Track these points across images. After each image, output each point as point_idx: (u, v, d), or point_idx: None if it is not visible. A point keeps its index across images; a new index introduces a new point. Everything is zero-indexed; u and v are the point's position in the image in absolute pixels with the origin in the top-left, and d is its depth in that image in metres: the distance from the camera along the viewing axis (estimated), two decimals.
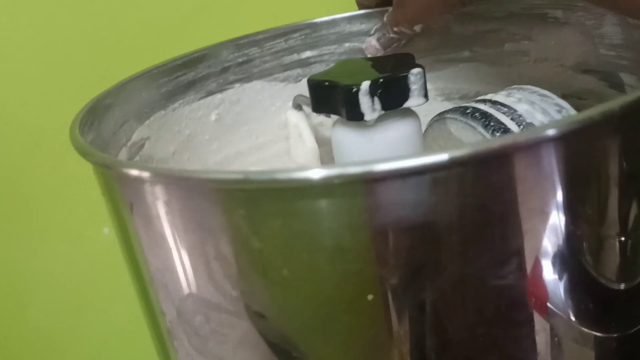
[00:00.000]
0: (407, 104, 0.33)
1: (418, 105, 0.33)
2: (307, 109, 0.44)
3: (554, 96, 0.37)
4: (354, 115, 0.32)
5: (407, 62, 0.34)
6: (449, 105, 0.45)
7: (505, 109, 0.36)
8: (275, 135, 0.45)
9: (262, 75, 0.44)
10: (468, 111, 0.37)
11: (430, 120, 0.39)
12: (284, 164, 0.46)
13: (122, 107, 0.37)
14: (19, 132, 0.50)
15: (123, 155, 0.37)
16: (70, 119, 0.32)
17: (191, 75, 0.41)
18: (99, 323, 0.57)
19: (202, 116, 0.42)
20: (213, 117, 0.43)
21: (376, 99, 0.32)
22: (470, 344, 0.24)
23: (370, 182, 0.22)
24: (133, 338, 0.56)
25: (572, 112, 0.36)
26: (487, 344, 0.25)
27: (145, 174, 0.24)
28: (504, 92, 0.38)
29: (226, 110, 0.43)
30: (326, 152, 0.44)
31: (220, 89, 0.43)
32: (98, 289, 0.55)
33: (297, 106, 0.44)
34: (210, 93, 0.42)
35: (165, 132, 0.40)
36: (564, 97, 0.37)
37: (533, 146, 0.22)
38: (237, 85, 0.43)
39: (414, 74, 0.33)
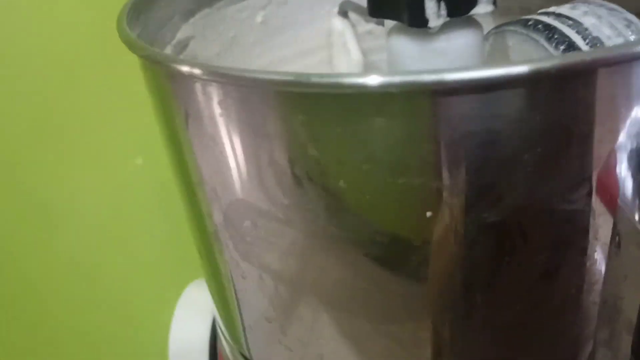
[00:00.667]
0: (474, 11, 0.31)
1: (485, 13, 0.31)
2: (354, 16, 0.42)
3: (622, 10, 0.34)
4: (417, 21, 0.31)
5: None
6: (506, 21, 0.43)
7: (571, 22, 0.34)
8: (322, 42, 0.44)
9: None
10: (530, 23, 0.35)
11: (487, 34, 0.38)
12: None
13: (167, 1, 0.35)
14: (51, 53, 0.48)
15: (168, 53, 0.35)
16: (103, 36, 0.30)
17: None
18: (125, 255, 0.56)
19: (248, 17, 0.40)
20: (259, 18, 0.41)
21: (442, 3, 0.30)
22: (529, 271, 0.24)
23: (440, 93, 0.21)
24: (158, 270, 0.55)
25: None
26: (547, 271, 0.24)
27: (198, 72, 0.23)
28: (568, 5, 0.36)
29: (273, 13, 0.41)
30: (371, 64, 0.42)
31: None
32: (127, 220, 0.54)
33: (343, 13, 0.42)
34: None
35: (210, 31, 0.39)
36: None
37: (626, 62, 0.20)
38: None
39: None
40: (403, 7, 0.30)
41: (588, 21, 0.34)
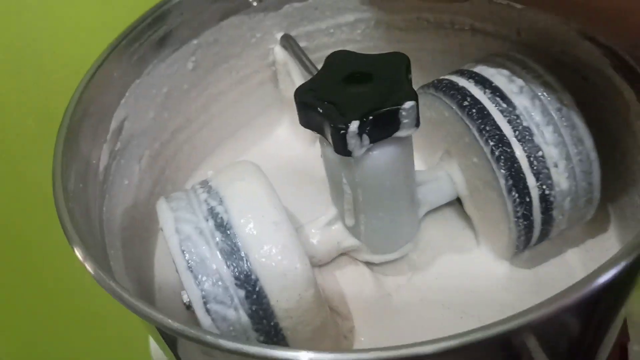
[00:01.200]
0: (396, 135, 0.31)
1: (407, 135, 0.32)
2: (295, 48, 0.41)
3: (557, 86, 0.34)
4: (342, 152, 0.31)
5: (401, 81, 0.32)
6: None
7: (504, 105, 0.34)
8: (257, 66, 0.43)
9: (240, 8, 0.40)
10: (465, 104, 0.35)
11: (422, 88, 0.37)
12: (266, 93, 0.44)
13: (95, 103, 0.35)
14: (57, 56, 0.49)
15: (105, 155, 0.35)
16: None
17: (163, 30, 0.38)
18: None
19: (179, 68, 0.39)
20: (190, 65, 0.40)
21: (365, 135, 0.31)
22: None
23: None
24: None
25: (573, 111, 0.34)
26: None
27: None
28: (506, 71, 0.35)
29: (203, 55, 0.40)
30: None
31: (196, 34, 0.39)
32: None
33: (284, 46, 0.41)
34: (185, 42, 0.39)
35: (143, 100, 0.38)
36: None
37: None
38: (213, 26, 0.39)
39: (406, 108, 0.30)
40: (328, 136, 0.31)
41: (521, 103, 0.34)
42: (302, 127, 0.32)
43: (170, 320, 0.24)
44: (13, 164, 0.57)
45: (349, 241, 0.36)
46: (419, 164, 0.40)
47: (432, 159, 0.39)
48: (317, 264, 0.37)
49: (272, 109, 0.44)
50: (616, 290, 0.27)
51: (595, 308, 0.27)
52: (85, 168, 0.33)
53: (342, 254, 0.37)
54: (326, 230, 0.36)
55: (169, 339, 0.29)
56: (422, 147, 0.40)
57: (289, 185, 0.41)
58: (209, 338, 0.23)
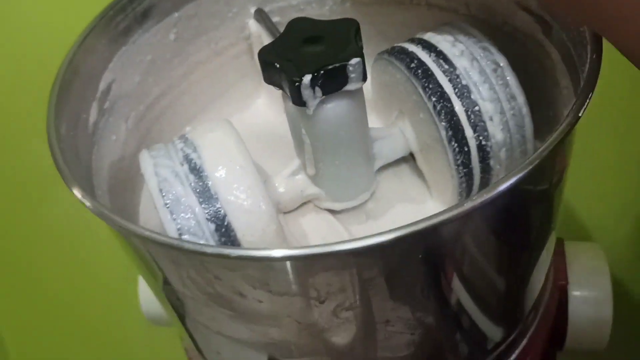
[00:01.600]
0: (346, 88, 0.36)
1: (356, 89, 0.36)
2: (268, 21, 0.45)
3: (494, 50, 0.39)
4: (298, 102, 0.36)
5: (349, 42, 0.36)
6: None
7: (447, 66, 0.39)
8: (234, 39, 0.47)
9: None
10: (413, 65, 0.39)
11: (379, 54, 0.42)
12: (243, 64, 0.48)
13: (85, 65, 0.39)
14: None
15: (94, 111, 0.40)
16: None
17: (146, 3, 0.42)
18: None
19: (162, 38, 0.44)
20: (172, 36, 0.44)
21: (317, 88, 0.35)
22: None
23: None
24: None
25: (508, 71, 0.38)
26: None
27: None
28: (450, 37, 0.40)
29: (184, 27, 0.44)
30: None
31: (177, 8, 0.44)
32: None
33: (257, 19, 0.45)
34: (167, 14, 0.43)
35: (129, 66, 0.42)
36: None
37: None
38: (193, 0, 0.44)
39: (353, 64, 0.35)
40: (286, 89, 0.35)
41: (461, 65, 0.38)
42: (278, 98, 0.37)
43: (148, 232, 0.28)
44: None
45: (311, 189, 0.41)
46: (377, 124, 0.44)
47: (389, 119, 0.43)
48: (283, 210, 0.41)
49: (248, 79, 0.49)
50: (523, 205, 0.32)
51: (506, 217, 0.31)
52: (76, 120, 0.38)
53: (305, 202, 0.42)
54: (290, 179, 0.41)
55: (155, 268, 0.34)
56: (380, 109, 0.44)
57: (264, 148, 0.45)
58: (175, 241, 0.27)
